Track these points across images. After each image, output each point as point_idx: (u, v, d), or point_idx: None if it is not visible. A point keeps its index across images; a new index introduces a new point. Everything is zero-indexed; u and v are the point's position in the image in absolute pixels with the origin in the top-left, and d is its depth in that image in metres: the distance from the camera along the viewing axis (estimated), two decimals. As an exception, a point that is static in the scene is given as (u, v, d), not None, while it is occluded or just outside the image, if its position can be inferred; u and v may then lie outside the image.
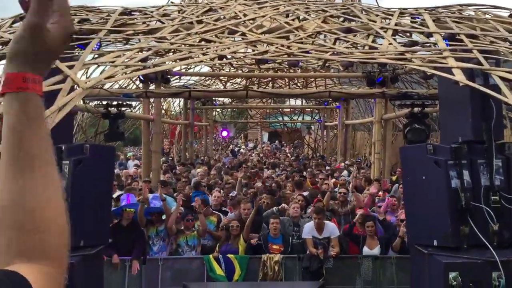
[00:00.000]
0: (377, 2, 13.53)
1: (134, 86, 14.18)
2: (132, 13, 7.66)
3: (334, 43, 6.88)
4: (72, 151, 5.34)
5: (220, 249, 7.34)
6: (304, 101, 22.41)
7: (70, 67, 5.37)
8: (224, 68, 14.92)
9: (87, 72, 9.90)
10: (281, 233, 7.51)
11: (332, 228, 7.42)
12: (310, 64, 12.63)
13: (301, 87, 19.63)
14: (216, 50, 6.20)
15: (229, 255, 7.19)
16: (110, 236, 6.53)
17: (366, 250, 7.44)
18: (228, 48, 6.42)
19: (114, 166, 7.86)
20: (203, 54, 6.30)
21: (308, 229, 7.33)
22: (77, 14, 7.26)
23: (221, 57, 6.19)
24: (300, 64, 10.31)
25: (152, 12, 7.61)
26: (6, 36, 6.24)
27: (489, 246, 4.92)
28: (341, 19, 7.42)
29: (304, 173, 13.23)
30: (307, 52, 6.31)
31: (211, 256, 7.19)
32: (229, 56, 6.43)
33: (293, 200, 8.55)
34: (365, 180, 10.99)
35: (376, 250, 7.43)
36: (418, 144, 6.60)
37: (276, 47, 6.34)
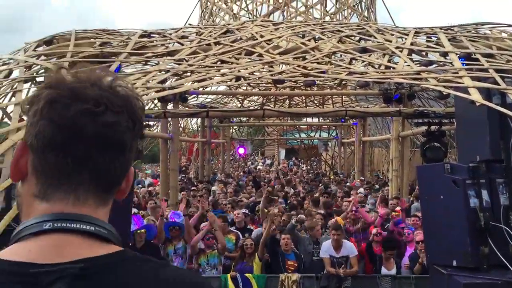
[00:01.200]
0: (393, 21, 13.60)
1: (153, 105, 14.38)
2: (152, 35, 7.85)
3: (350, 63, 6.96)
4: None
5: (235, 268, 7.35)
6: (321, 118, 22.42)
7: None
8: (241, 86, 15.09)
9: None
10: (293, 251, 7.51)
11: (350, 247, 7.39)
12: (326, 82, 12.71)
13: (317, 104, 19.68)
14: (233, 71, 6.32)
15: (247, 275, 7.19)
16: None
17: (384, 270, 7.40)
18: (246, 69, 6.53)
19: (134, 186, 7.97)
20: (222, 75, 6.42)
21: (326, 248, 7.32)
22: (98, 37, 7.48)
23: (238, 78, 6.30)
24: (317, 82, 10.41)
25: (170, 34, 7.79)
26: (31, 60, 6.45)
27: (510, 267, 4.86)
28: (357, 38, 7.50)
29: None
30: (323, 72, 6.39)
31: (228, 275, 7.20)
32: (243, 77, 6.53)
33: (314, 217, 8.56)
34: (381, 200, 10.90)
35: (393, 271, 7.39)
36: (435, 163, 6.56)
37: (292, 67, 6.43)
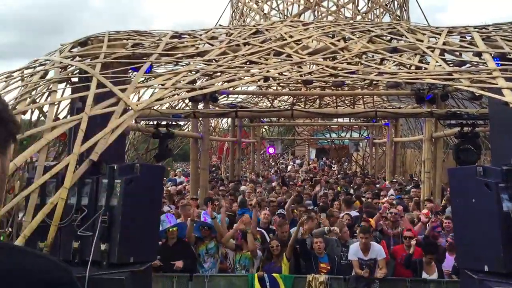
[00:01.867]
0: (426, 21, 13.33)
1: (184, 105, 14.57)
2: (182, 36, 7.95)
3: (381, 63, 6.87)
4: (124, 170, 5.55)
5: (263, 269, 7.36)
6: (352, 118, 22.20)
7: (123, 91, 5.66)
8: (271, 86, 15.10)
9: (139, 93, 10.29)
10: (327, 253, 7.48)
11: (378, 250, 7.30)
12: (357, 82, 12.59)
13: (348, 104, 19.50)
14: (261, 72, 6.34)
15: (274, 274, 7.20)
16: (158, 254, 6.73)
17: (425, 275, 7.27)
18: (276, 69, 6.54)
19: (163, 184, 8.11)
20: (251, 75, 6.44)
21: (354, 251, 7.25)
22: (131, 38, 7.63)
23: (266, 79, 6.32)
24: (347, 82, 10.33)
25: (201, 35, 7.86)
26: (65, 61, 6.63)
27: (544, 273, 4.71)
28: (388, 38, 7.40)
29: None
30: (352, 72, 6.34)
31: (255, 275, 7.23)
32: (272, 78, 6.54)
33: (341, 220, 8.50)
34: (414, 203, 10.71)
35: (435, 276, 7.25)
36: (468, 165, 6.42)
37: (321, 68, 6.41)
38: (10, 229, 6.51)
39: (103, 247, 5.25)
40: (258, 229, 8.43)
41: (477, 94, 6.27)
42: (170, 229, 7.55)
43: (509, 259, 4.97)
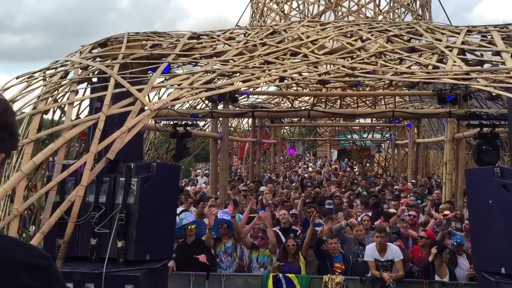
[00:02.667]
0: (449, 20, 13.13)
1: (204, 105, 14.68)
2: (200, 37, 8.03)
3: (400, 63, 6.82)
4: (141, 169, 5.64)
5: (281, 270, 7.35)
6: (373, 119, 22.02)
7: (140, 91, 5.75)
8: (291, 86, 15.08)
9: (159, 93, 10.43)
10: (342, 252, 7.47)
11: (395, 251, 7.24)
12: (378, 83, 12.47)
13: (369, 105, 19.35)
14: (277, 72, 6.36)
15: (289, 275, 7.20)
16: (175, 252, 6.81)
17: (437, 278, 7.18)
18: (295, 68, 6.54)
19: (179, 183, 8.20)
20: (268, 75, 6.46)
21: (370, 251, 7.21)
22: (150, 39, 7.74)
23: (282, 79, 6.34)
24: (366, 82, 10.24)
25: (218, 36, 7.93)
26: (85, 62, 6.77)
27: None
28: (406, 38, 7.33)
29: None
30: (369, 72, 6.30)
31: (271, 275, 7.24)
32: (289, 78, 6.55)
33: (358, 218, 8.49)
34: (432, 205, 10.57)
35: (446, 279, 7.15)
36: (485, 166, 6.31)
37: (337, 68, 6.39)
38: (32, 226, 6.69)
39: (119, 244, 5.33)
40: (273, 229, 8.45)
41: (494, 94, 6.16)
42: (189, 227, 7.58)
43: (526, 262, 4.88)
